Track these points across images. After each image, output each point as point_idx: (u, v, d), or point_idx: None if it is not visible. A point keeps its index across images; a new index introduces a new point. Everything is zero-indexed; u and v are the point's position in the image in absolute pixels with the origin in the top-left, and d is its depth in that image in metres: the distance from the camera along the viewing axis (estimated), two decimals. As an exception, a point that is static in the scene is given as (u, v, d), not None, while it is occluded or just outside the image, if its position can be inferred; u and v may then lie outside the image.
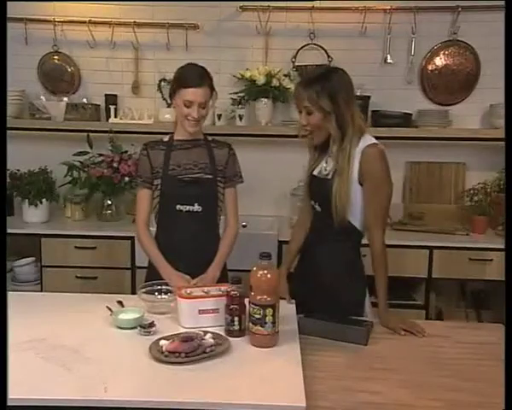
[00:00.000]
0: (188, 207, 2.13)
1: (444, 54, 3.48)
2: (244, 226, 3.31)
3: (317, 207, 2.03)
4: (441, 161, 3.55)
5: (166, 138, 2.21)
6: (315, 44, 3.46)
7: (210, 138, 2.25)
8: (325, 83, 1.87)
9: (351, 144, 1.90)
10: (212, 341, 1.58)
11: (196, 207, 2.14)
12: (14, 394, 1.31)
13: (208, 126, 3.06)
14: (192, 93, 2.04)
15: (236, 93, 3.40)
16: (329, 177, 1.95)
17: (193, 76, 2.07)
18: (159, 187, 2.16)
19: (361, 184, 1.92)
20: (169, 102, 2.18)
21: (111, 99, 3.50)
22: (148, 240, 2.18)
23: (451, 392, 1.47)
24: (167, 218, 2.17)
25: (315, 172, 2.05)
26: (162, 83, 3.46)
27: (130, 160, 3.27)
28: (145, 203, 2.18)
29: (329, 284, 1.98)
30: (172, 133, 2.22)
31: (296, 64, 3.44)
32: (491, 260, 3.04)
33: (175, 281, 1.97)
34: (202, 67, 2.12)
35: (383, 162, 1.91)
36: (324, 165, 2.01)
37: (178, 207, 2.13)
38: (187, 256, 2.12)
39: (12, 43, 3.25)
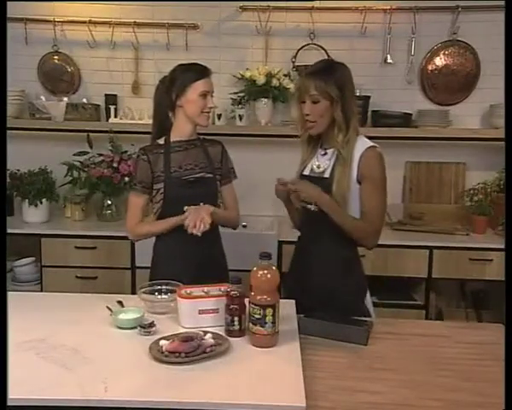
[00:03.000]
0: (194, 207, 2.08)
1: (444, 54, 3.49)
2: (244, 226, 3.31)
3: (312, 207, 2.01)
4: (441, 160, 3.56)
5: (162, 141, 2.19)
6: (315, 44, 3.46)
7: (201, 138, 2.25)
8: (332, 73, 1.93)
9: (353, 137, 1.93)
10: (212, 341, 1.57)
11: None
12: (14, 394, 1.31)
13: (208, 126, 3.05)
14: (207, 83, 2.11)
15: (236, 93, 3.40)
16: (326, 175, 1.97)
17: (200, 68, 2.13)
18: (161, 191, 2.13)
19: (360, 184, 1.93)
20: (175, 103, 2.14)
21: (111, 99, 3.50)
22: (145, 226, 2.18)
23: (451, 392, 1.47)
24: None
25: (306, 172, 2.06)
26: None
27: (130, 160, 3.27)
28: (140, 210, 2.16)
29: (327, 284, 1.98)
30: (166, 135, 2.19)
31: (296, 64, 3.44)
32: (491, 260, 3.04)
33: (188, 217, 2.00)
34: None
35: (383, 165, 1.95)
36: (316, 163, 2.03)
37: (186, 208, 2.08)
38: (196, 258, 2.12)
39: (12, 43, 3.25)
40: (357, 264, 2.05)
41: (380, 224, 1.96)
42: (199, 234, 1.98)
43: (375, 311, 2.07)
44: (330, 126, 1.96)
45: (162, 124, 2.20)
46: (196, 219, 1.99)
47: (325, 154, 2.01)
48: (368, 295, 2.05)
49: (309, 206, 2.02)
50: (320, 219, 1.99)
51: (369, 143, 1.96)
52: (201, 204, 2.08)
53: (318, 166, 2.01)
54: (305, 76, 2.00)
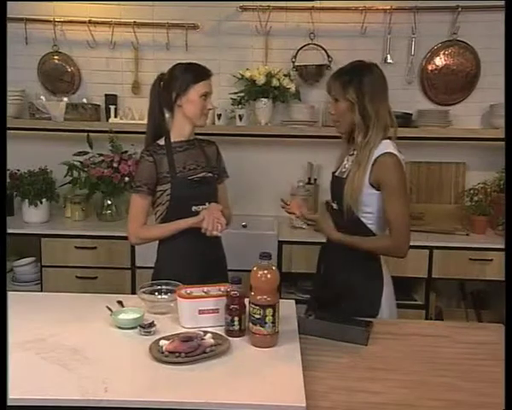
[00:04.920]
0: (201, 207, 2.10)
1: (444, 54, 3.49)
2: (244, 226, 3.32)
3: (334, 205, 2.06)
4: (441, 160, 3.56)
5: (162, 142, 2.17)
6: (315, 44, 3.46)
7: (197, 138, 2.25)
8: (354, 76, 1.95)
9: (374, 140, 1.93)
10: (212, 341, 1.57)
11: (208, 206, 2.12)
12: (14, 394, 1.31)
13: (208, 126, 3.05)
14: (208, 84, 2.12)
15: (236, 93, 3.40)
16: (345, 176, 1.99)
17: (203, 69, 2.13)
18: (167, 192, 2.11)
19: (375, 189, 1.93)
20: (175, 102, 2.14)
21: (111, 99, 3.50)
22: (154, 229, 2.17)
23: (451, 392, 1.47)
24: None
25: (336, 173, 2.10)
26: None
27: (131, 160, 3.27)
28: (145, 211, 2.14)
29: (345, 283, 1.99)
30: (166, 136, 2.18)
31: (296, 64, 3.45)
32: (491, 260, 3.04)
33: (202, 219, 2.02)
34: None
35: (398, 172, 1.93)
36: (345, 163, 2.06)
37: (194, 208, 2.09)
38: (203, 257, 2.12)
39: (12, 43, 3.25)
40: (375, 262, 2.04)
41: (406, 232, 1.94)
42: (219, 234, 2.01)
43: (391, 310, 2.08)
44: (355, 127, 1.98)
45: (157, 124, 2.19)
46: (213, 220, 2.01)
47: (352, 155, 2.03)
48: (384, 294, 2.03)
49: (333, 203, 2.06)
50: (339, 217, 2.02)
51: (389, 148, 1.94)
52: (207, 204, 2.10)
53: (345, 167, 2.05)
54: (331, 76, 2.04)
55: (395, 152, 1.94)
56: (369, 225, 1.97)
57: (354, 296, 1.97)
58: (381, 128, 1.95)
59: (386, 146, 1.95)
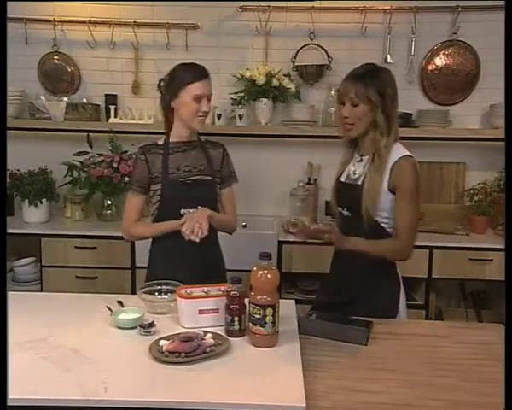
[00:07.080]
0: (192, 211, 2.05)
1: (444, 54, 3.49)
2: (244, 226, 3.32)
3: (345, 212, 2.02)
4: (441, 160, 3.56)
5: (161, 141, 2.17)
6: (315, 44, 3.46)
7: (203, 139, 2.23)
8: (373, 78, 1.92)
9: (391, 143, 1.93)
10: (212, 341, 1.57)
11: None
12: (14, 394, 1.31)
13: (208, 126, 3.05)
14: (202, 86, 2.05)
15: (236, 93, 3.40)
16: (359, 182, 1.96)
17: (198, 70, 2.08)
18: (158, 192, 2.11)
19: (392, 193, 1.92)
20: (170, 104, 2.13)
21: (111, 99, 3.51)
22: (141, 227, 2.17)
23: (451, 392, 1.47)
24: None
25: (342, 179, 2.06)
26: (162, 83, 3.45)
27: (130, 160, 3.27)
28: (136, 210, 2.15)
29: (361, 288, 1.99)
30: (166, 135, 2.18)
31: (296, 64, 3.45)
32: (491, 260, 3.04)
33: (183, 223, 1.96)
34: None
35: (415, 176, 1.91)
36: (352, 169, 2.03)
37: (182, 211, 2.07)
38: (192, 260, 2.09)
39: (12, 43, 3.24)
40: (392, 266, 2.04)
41: (411, 238, 1.93)
42: (197, 240, 1.94)
43: (408, 312, 2.11)
44: (368, 131, 1.95)
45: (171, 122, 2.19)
46: (193, 224, 1.94)
47: (361, 160, 2.01)
48: (401, 297, 2.05)
49: (342, 210, 2.04)
50: (352, 224, 2.00)
51: (405, 151, 1.93)
52: (199, 207, 2.06)
53: (354, 173, 2.01)
54: (345, 79, 1.98)
55: (412, 154, 1.93)
56: (389, 230, 1.95)
57: (373, 299, 1.96)
58: (396, 130, 1.95)
59: (400, 149, 1.94)
